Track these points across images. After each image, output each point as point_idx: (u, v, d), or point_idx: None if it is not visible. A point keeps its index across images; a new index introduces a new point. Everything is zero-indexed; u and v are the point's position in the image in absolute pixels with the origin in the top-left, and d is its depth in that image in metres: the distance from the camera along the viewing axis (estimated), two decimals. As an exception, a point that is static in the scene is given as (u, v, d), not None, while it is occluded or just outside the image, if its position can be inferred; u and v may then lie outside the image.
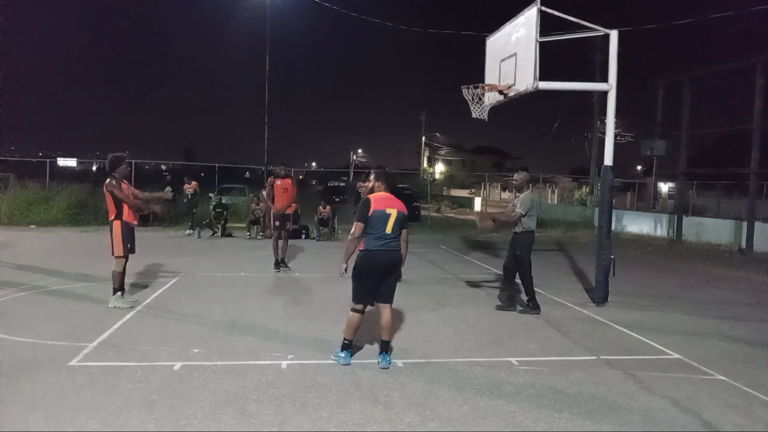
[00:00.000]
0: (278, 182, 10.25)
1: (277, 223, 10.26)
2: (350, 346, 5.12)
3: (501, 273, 10.58)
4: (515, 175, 7.67)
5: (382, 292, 5.07)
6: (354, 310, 5.07)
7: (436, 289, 8.82)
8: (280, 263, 10.23)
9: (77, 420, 3.80)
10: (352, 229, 5.01)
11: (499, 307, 7.54)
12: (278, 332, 6.13)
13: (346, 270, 5.05)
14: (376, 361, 5.09)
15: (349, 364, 5.01)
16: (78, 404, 4.06)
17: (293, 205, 10.51)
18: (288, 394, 4.34)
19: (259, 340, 5.80)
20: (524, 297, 7.50)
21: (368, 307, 5.15)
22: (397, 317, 5.10)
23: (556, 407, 4.24)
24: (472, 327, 6.60)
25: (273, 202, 10.25)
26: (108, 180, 6.86)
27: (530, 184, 7.62)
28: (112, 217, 6.90)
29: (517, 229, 7.33)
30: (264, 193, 11.97)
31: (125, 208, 6.90)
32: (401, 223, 5.03)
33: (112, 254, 6.92)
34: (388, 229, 4.96)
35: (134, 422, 3.80)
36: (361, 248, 5.02)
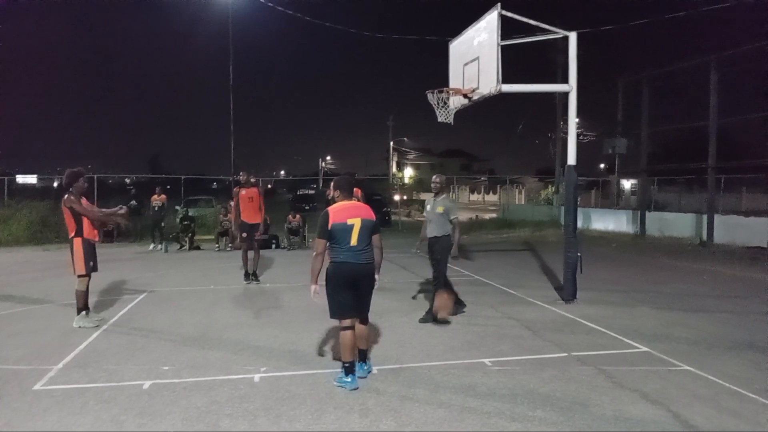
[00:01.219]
0: (243, 191, 9.93)
1: (244, 234, 10.04)
2: (353, 368, 4.75)
3: (470, 275, 10.72)
4: (435, 177, 7.20)
5: (357, 305, 4.81)
6: (343, 328, 4.76)
7: (408, 293, 8.84)
8: (250, 275, 10.05)
9: (43, 445, 3.68)
10: (314, 246, 4.79)
11: (423, 320, 7.01)
12: (250, 344, 6.05)
13: (316, 290, 4.76)
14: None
15: (358, 388, 4.65)
16: (44, 427, 3.94)
17: (261, 214, 10.11)
18: (262, 408, 4.29)
19: (231, 354, 5.71)
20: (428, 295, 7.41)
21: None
22: (371, 323, 5.07)
23: (530, 406, 4.29)
24: (445, 330, 6.62)
25: (239, 212, 9.98)
26: (66, 196, 6.67)
27: (447, 187, 7.39)
28: (72, 235, 6.69)
29: (438, 233, 6.94)
30: (231, 203, 11.71)
31: (86, 224, 6.70)
32: (369, 231, 4.75)
33: (74, 273, 6.73)
34: (353, 241, 4.66)
35: (103, 444, 3.70)
36: (329, 260, 4.78)
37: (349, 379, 4.71)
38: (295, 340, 6.19)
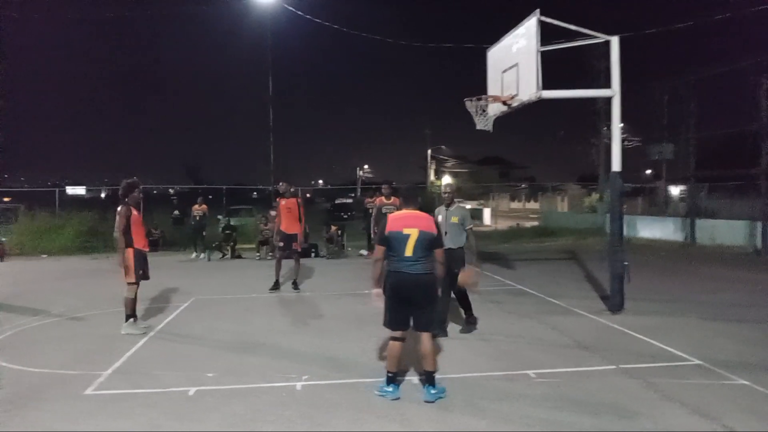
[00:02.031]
0: (283, 202, 10.10)
1: (281, 243, 10.18)
2: (395, 379, 4.67)
3: (512, 284, 10.52)
4: (445, 186, 6.93)
5: (416, 319, 4.64)
6: (392, 338, 4.67)
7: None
8: (279, 285, 10.12)
9: (90, 449, 3.77)
10: (374, 252, 4.76)
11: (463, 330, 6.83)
12: (289, 352, 6.08)
13: (377, 293, 4.69)
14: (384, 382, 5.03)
15: (399, 398, 4.57)
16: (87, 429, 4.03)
17: (300, 225, 10.09)
18: (301, 415, 4.29)
19: (270, 361, 5.76)
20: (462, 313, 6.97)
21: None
22: (410, 332, 4.99)
23: (576, 418, 4.16)
24: (486, 340, 6.51)
25: (281, 222, 10.09)
26: (120, 207, 6.88)
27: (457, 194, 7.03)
28: (124, 243, 6.90)
29: (454, 245, 6.42)
30: (272, 213, 11.87)
31: (136, 234, 6.91)
32: (426, 244, 4.56)
33: (125, 280, 6.91)
34: (408, 252, 4.53)
35: (147, 450, 3.76)
36: (387, 269, 4.68)
37: (390, 389, 4.63)
38: (333, 348, 6.19)
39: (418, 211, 4.77)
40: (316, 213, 31.87)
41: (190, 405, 4.55)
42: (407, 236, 4.55)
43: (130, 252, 6.84)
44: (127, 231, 6.81)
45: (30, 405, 4.58)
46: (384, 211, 10.21)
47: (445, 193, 6.93)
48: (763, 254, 14.96)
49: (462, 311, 6.96)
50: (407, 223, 4.62)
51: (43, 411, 4.44)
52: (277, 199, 10.38)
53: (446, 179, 68.32)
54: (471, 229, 6.63)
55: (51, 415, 4.35)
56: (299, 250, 10.20)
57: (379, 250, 4.68)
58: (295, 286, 10.19)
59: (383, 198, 10.40)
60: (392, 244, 4.60)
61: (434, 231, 4.64)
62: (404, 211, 4.77)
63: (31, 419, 4.29)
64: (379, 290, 4.69)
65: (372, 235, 11.01)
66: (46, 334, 7.09)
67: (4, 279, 12.63)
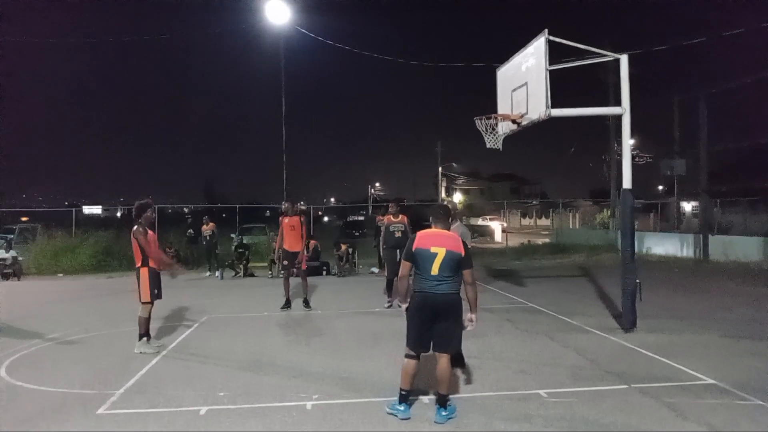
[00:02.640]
0: (285, 220, 10.08)
1: (285, 262, 10.17)
2: (408, 398, 4.63)
3: (523, 302, 10.48)
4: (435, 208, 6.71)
5: (436, 339, 4.59)
6: (407, 356, 4.65)
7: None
8: (290, 303, 10.14)
9: (105, 469, 3.80)
10: (400, 268, 4.72)
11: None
12: (302, 371, 6.10)
13: (404, 307, 4.72)
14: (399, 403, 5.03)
15: (409, 418, 4.54)
16: (106, 453, 4.07)
17: (303, 242, 10.08)
18: (314, 435, 4.30)
19: (284, 380, 5.78)
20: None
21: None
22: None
23: (589, 439, 4.13)
24: (498, 358, 6.49)
25: (282, 240, 10.11)
26: (135, 227, 6.99)
27: (457, 216, 6.52)
28: (139, 264, 6.99)
29: None
30: None
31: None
32: (453, 263, 4.52)
33: (139, 300, 7.00)
34: (434, 270, 4.49)
35: (161, 469, 3.79)
36: (413, 289, 4.68)
37: (401, 408, 4.60)
38: (347, 367, 6.20)
39: (446, 231, 4.76)
40: (327, 231, 31.98)
41: (203, 424, 4.58)
42: (435, 255, 4.52)
43: (145, 271, 6.93)
44: (144, 249, 6.91)
45: (46, 425, 4.63)
46: (392, 229, 10.21)
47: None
48: (779, 270, 14.76)
49: None
50: (435, 242, 4.57)
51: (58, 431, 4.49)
52: (280, 218, 10.39)
53: (457, 196, 68.38)
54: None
55: (67, 435, 4.39)
56: (304, 267, 10.21)
57: (405, 266, 4.64)
58: (306, 304, 10.21)
59: (391, 216, 10.41)
60: (419, 261, 4.57)
61: (461, 251, 4.57)
62: (434, 229, 4.74)
63: (47, 439, 4.33)
64: (406, 304, 4.70)
65: (381, 253, 10.96)
66: (60, 354, 7.16)
67: (20, 298, 12.79)
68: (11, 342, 7.72)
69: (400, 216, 10.35)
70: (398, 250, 9.18)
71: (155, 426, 4.55)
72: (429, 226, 4.86)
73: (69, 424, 4.63)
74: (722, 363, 6.09)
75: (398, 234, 10.02)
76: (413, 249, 4.58)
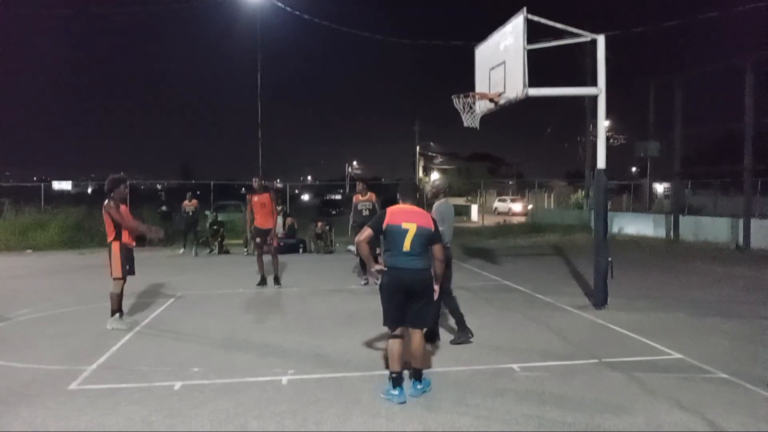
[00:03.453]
0: (255, 198, 9.95)
1: (257, 239, 10.12)
2: (401, 380, 4.54)
3: (499, 280, 10.61)
4: (435, 182, 6.47)
5: (410, 316, 4.59)
6: (391, 336, 4.62)
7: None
8: (267, 279, 10.10)
9: (76, 444, 3.77)
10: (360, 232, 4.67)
11: (454, 342, 6.22)
12: (276, 347, 6.10)
13: (377, 271, 4.63)
14: (377, 373, 5.07)
15: (405, 402, 4.43)
16: (77, 427, 4.03)
17: (273, 219, 10.05)
18: (288, 411, 4.31)
19: (258, 357, 5.77)
20: (452, 323, 6.44)
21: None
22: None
23: (559, 412, 4.22)
24: (474, 335, 6.55)
25: (252, 218, 10.02)
26: (106, 201, 6.84)
27: (445, 193, 6.38)
28: (111, 239, 6.87)
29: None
30: None
31: (124, 229, 6.88)
32: (424, 239, 4.54)
33: (111, 276, 6.89)
34: (406, 246, 4.48)
35: (134, 444, 3.77)
36: (384, 266, 4.64)
37: (396, 392, 4.50)
38: (321, 344, 6.22)
39: (415, 207, 4.72)
40: (305, 209, 31.84)
41: (177, 400, 4.55)
42: (406, 230, 4.51)
43: (116, 246, 6.82)
44: (116, 224, 6.79)
45: (20, 401, 4.55)
46: (359, 207, 10.24)
47: (431, 187, 6.48)
48: (745, 250, 15.18)
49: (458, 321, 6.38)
50: (406, 218, 4.57)
51: (33, 407, 4.42)
52: (248, 196, 10.26)
53: (434, 175, 68.47)
54: (448, 239, 5.98)
55: (44, 412, 4.32)
56: (275, 244, 10.16)
57: (367, 230, 4.57)
58: (277, 281, 10.16)
59: (359, 195, 10.43)
60: (390, 237, 4.55)
61: (431, 227, 4.60)
62: (402, 206, 4.71)
63: (24, 416, 4.26)
64: (378, 266, 4.65)
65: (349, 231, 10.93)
66: (30, 330, 7.03)
67: (-13, 274, 12.50)
68: (-22, 318, 7.55)
69: (369, 194, 10.37)
70: None
71: (127, 402, 4.51)
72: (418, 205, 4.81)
73: (40, 400, 4.56)
74: (690, 339, 6.26)
75: (366, 212, 10.08)
76: (384, 225, 4.55)
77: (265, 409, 4.35)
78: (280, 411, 4.30)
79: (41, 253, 16.96)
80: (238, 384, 4.91)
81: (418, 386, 4.63)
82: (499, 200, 44.41)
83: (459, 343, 6.12)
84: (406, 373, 4.67)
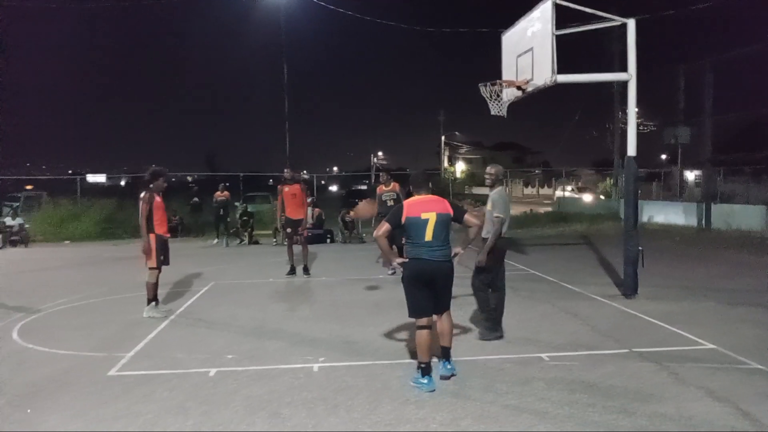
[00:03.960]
0: (286, 188, 10.10)
1: (288, 229, 10.25)
2: (429, 369, 4.57)
3: (525, 269, 10.56)
4: (488, 168, 6.15)
5: (436, 303, 4.66)
6: (419, 327, 4.61)
7: (460, 287, 8.79)
8: (297, 269, 10.22)
9: (116, 428, 3.92)
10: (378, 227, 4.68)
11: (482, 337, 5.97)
12: (306, 336, 6.20)
13: (398, 264, 4.73)
14: (405, 362, 5.12)
15: (434, 390, 4.49)
16: (116, 413, 4.17)
17: (305, 209, 10.17)
18: (319, 397, 4.40)
19: (289, 344, 5.88)
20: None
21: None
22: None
23: (589, 401, 4.22)
24: (503, 324, 6.56)
25: (284, 208, 10.17)
26: (143, 193, 7.02)
27: (502, 180, 6.12)
28: (147, 229, 7.05)
29: (484, 234, 5.75)
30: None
31: (158, 220, 7.07)
32: (446, 225, 4.61)
33: (147, 266, 7.07)
34: (428, 237, 4.52)
35: (171, 429, 3.90)
36: (406, 258, 4.73)
37: (425, 381, 4.53)
38: (350, 332, 6.30)
39: (431, 195, 4.76)
40: (330, 200, 32.01)
41: (211, 386, 4.68)
42: (426, 221, 4.54)
43: (152, 237, 7.00)
44: (149, 217, 6.97)
45: (61, 387, 4.73)
46: (384, 198, 10.29)
47: (487, 175, 6.06)
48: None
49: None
50: (424, 208, 4.60)
51: (73, 393, 4.59)
52: (279, 186, 10.41)
53: (459, 165, 68.11)
54: (499, 218, 5.72)
55: (83, 398, 4.49)
56: (305, 235, 10.25)
57: (384, 225, 4.60)
58: (306, 271, 10.30)
59: (383, 186, 10.49)
60: (411, 230, 4.59)
61: (450, 211, 4.66)
62: (417, 197, 4.74)
63: (64, 401, 4.44)
64: (398, 259, 4.78)
65: (373, 223, 11.02)
66: (69, 318, 7.28)
67: (28, 265, 12.94)
68: (22, 306, 7.84)
69: (392, 184, 10.42)
70: None
71: (163, 388, 4.66)
72: (432, 192, 4.87)
73: (79, 386, 4.74)
74: (722, 329, 6.17)
75: (390, 202, 10.13)
76: (403, 219, 4.58)
77: (297, 395, 4.45)
78: (312, 398, 4.39)
79: (77, 244, 17.46)
80: (270, 371, 5.03)
81: (448, 366, 4.74)
82: (563, 190, 39.29)
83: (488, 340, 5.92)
84: (434, 362, 4.73)
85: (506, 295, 6.12)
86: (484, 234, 5.71)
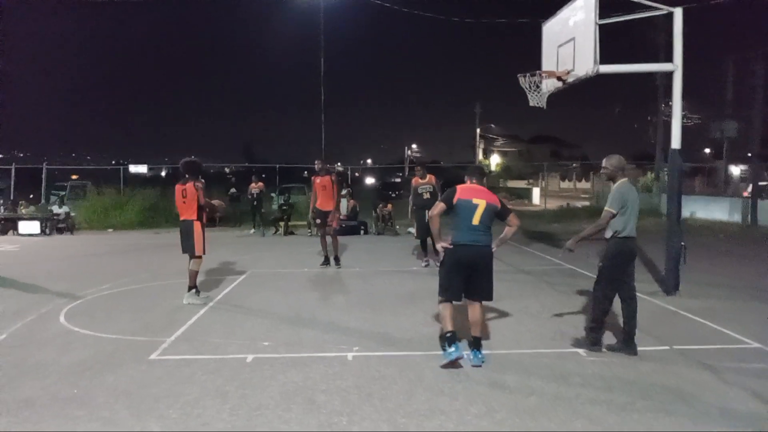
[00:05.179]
0: (317, 180, 10.12)
1: (318, 221, 10.29)
2: (455, 338, 4.79)
3: (563, 264, 10.39)
4: (604, 160, 5.48)
5: (471, 289, 4.90)
6: (442, 301, 4.92)
7: (499, 281, 8.69)
8: (330, 260, 10.28)
9: (157, 409, 4.03)
10: (433, 207, 4.98)
11: (610, 348, 5.33)
12: (341, 325, 6.26)
13: (442, 248, 4.89)
14: (439, 353, 5.12)
15: (463, 357, 4.76)
16: (158, 395, 4.29)
17: (334, 201, 10.12)
18: (354, 386, 4.44)
19: (323, 333, 5.94)
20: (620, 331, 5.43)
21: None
22: (459, 309, 5.10)
23: (627, 399, 4.14)
24: (535, 318, 6.51)
25: (316, 199, 10.19)
26: (196, 182, 7.22)
27: (624, 171, 5.45)
28: (194, 217, 7.21)
29: (606, 234, 5.28)
30: None
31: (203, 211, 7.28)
32: (492, 214, 4.85)
33: (191, 254, 7.24)
34: (475, 220, 4.78)
35: (210, 411, 3.99)
36: (449, 243, 4.88)
37: (452, 348, 4.72)
38: (384, 322, 6.33)
39: (482, 186, 5.03)
40: (365, 192, 32.12)
41: (249, 372, 4.77)
42: (476, 206, 4.81)
43: (199, 226, 7.18)
44: (200, 205, 7.14)
45: (105, 369, 4.89)
46: (420, 191, 10.22)
47: (603, 168, 5.49)
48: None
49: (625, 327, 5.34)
50: (476, 194, 4.88)
51: (117, 375, 4.74)
52: (312, 177, 10.46)
53: (495, 158, 67.28)
54: (608, 212, 5.20)
55: (126, 379, 4.64)
56: (335, 226, 10.25)
57: (440, 205, 4.88)
58: (337, 261, 10.31)
59: (418, 178, 10.42)
60: (460, 212, 4.83)
61: (498, 204, 4.91)
62: (470, 184, 5.02)
63: (109, 382, 4.59)
64: (443, 243, 4.91)
65: (409, 214, 10.93)
66: (113, 303, 7.51)
67: (74, 250, 13.41)
68: (68, 291, 8.12)
69: (428, 177, 10.34)
70: (426, 211, 9.23)
71: (203, 372, 4.77)
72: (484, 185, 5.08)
73: (123, 368, 4.89)
74: (767, 328, 5.96)
75: (426, 195, 10.05)
76: (455, 200, 4.84)
77: (332, 383, 4.49)
78: (346, 386, 4.43)
79: (120, 232, 18.01)
80: (305, 358, 5.09)
81: (479, 355, 4.85)
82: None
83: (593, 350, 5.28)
84: (466, 355, 4.73)
85: (544, 290, 5.95)
86: (607, 233, 5.25)
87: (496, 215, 4.90)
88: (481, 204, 4.81)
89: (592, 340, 5.31)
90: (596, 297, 5.33)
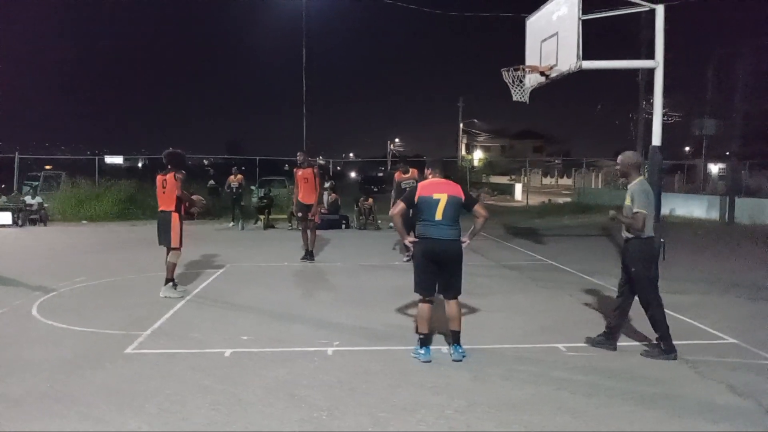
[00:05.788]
0: (299, 172, 10.02)
1: (299, 214, 10.20)
2: (428, 341, 4.90)
3: (545, 260, 10.46)
4: (619, 157, 5.23)
5: (442, 285, 4.87)
6: (422, 301, 4.90)
7: (481, 276, 8.75)
8: (311, 254, 10.21)
9: (135, 404, 3.94)
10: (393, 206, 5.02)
11: (590, 341, 5.30)
12: (323, 319, 6.20)
13: (409, 242, 5.00)
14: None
15: (430, 361, 4.75)
16: (136, 390, 4.20)
17: (316, 195, 10.03)
18: (337, 380, 4.39)
19: (305, 327, 5.88)
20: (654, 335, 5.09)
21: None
22: (439, 304, 5.07)
23: (607, 393, 4.16)
24: (522, 314, 6.51)
25: (297, 192, 10.07)
26: (176, 173, 7.07)
27: (640, 168, 5.18)
28: (172, 209, 7.08)
29: (627, 235, 5.10)
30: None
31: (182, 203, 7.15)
32: (456, 207, 4.79)
33: (168, 246, 7.12)
34: (438, 215, 4.74)
35: (190, 406, 3.92)
36: (416, 238, 4.94)
37: (423, 351, 4.81)
38: (367, 317, 6.29)
39: (444, 179, 4.97)
40: (347, 186, 32.03)
41: (228, 366, 4.70)
42: (437, 201, 4.77)
43: (176, 218, 7.05)
44: (179, 197, 7.02)
45: (83, 363, 4.78)
46: (403, 186, 10.19)
47: (616, 166, 5.33)
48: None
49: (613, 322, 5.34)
50: (437, 189, 4.84)
51: (95, 369, 4.63)
52: (294, 170, 10.36)
53: (478, 153, 67.57)
54: (641, 213, 4.87)
55: (103, 373, 4.54)
56: (316, 221, 10.15)
57: (399, 204, 4.90)
58: (311, 255, 10.21)
59: (401, 173, 10.40)
60: (423, 209, 4.81)
61: (462, 195, 4.86)
62: (431, 179, 4.98)
63: (87, 376, 4.49)
64: (410, 238, 5.00)
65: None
66: (88, 296, 7.36)
67: (47, 243, 13.13)
68: (40, 284, 7.94)
69: (411, 171, 10.32)
70: None
71: (182, 366, 4.69)
72: (449, 177, 5.06)
73: (100, 362, 4.78)
74: (744, 324, 6.05)
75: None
76: (416, 199, 4.83)
77: (315, 378, 4.44)
78: (329, 381, 4.39)
79: (95, 224, 17.67)
80: (287, 353, 5.03)
81: (459, 349, 4.85)
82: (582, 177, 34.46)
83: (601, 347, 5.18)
84: (444, 350, 4.74)
85: (530, 287, 5.97)
86: (627, 233, 5.08)
87: (463, 207, 4.85)
88: (443, 198, 4.77)
89: (666, 348, 4.93)
90: (650, 304, 4.98)
